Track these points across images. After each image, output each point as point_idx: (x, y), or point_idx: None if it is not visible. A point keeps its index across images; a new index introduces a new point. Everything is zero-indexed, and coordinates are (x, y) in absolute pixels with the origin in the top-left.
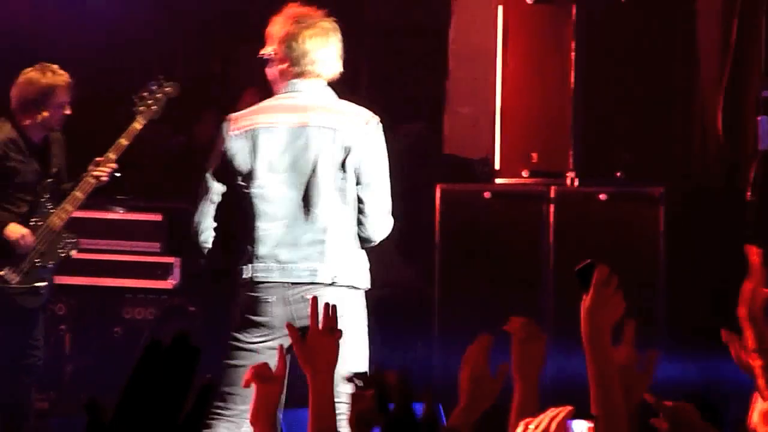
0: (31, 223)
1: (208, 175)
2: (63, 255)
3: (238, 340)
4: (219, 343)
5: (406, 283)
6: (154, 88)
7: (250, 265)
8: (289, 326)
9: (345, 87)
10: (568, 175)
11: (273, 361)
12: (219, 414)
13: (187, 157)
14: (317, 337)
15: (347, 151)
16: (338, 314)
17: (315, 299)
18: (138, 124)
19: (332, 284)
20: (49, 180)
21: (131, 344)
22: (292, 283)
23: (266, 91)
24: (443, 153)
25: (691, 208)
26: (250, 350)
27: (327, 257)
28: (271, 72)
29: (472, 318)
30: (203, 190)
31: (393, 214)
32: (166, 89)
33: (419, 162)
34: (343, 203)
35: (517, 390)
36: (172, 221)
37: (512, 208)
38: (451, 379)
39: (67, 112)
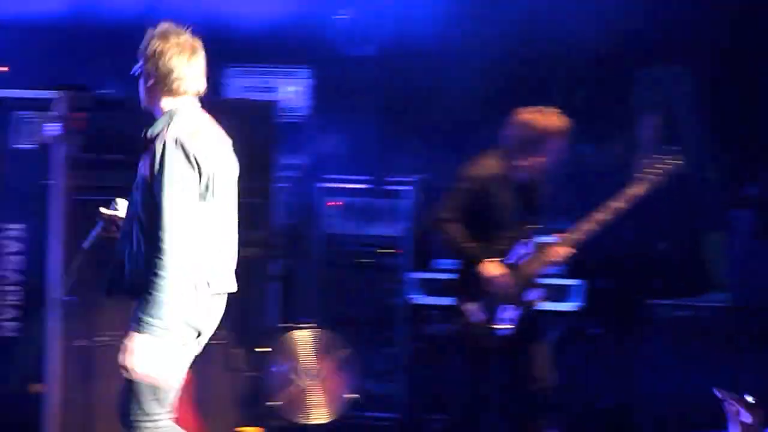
0: (507, 263)
1: None
2: (530, 303)
3: None
4: (624, 365)
5: None
6: (662, 156)
7: None
8: None
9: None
10: None
11: None
12: None
13: (590, 176)
14: None
15: None
16: None
17: None
18: (641, 190)
19: None
20: (529, 222)
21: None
22: None
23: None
24: None
25: None
26: None
27: None
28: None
29: None
30: None
31: None
32: (674, 161)
33: None
34: None
35: None
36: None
37: None
38: None
39: (559, 157)
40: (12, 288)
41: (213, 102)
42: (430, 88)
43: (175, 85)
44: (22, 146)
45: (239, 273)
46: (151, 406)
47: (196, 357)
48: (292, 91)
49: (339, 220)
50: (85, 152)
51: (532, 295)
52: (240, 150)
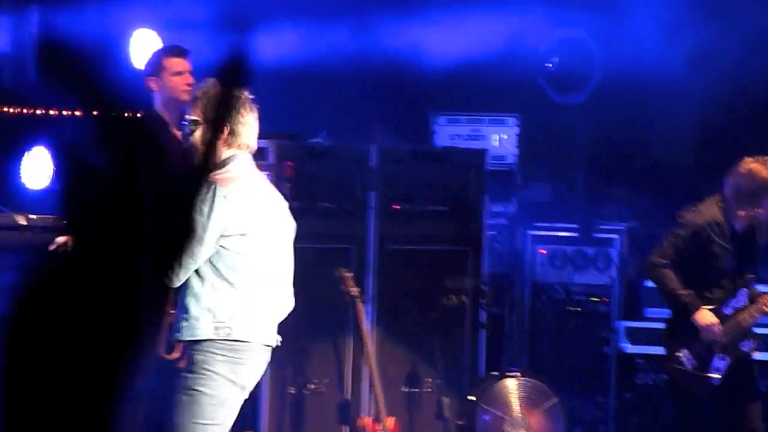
0: (721, 312)
1: None
2: (743, 354)
3: None
4: None
5: None
6: None
7: None
8: None
9: None
10: None
11: None
12: None
13: None
14: None
15: None
16: None
17: None
18: None
19: None
20: (746, 272)
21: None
22: None
23: None
24: None
25: None
26: None
27: None
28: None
29: None
30: None
31: None
32: None
33: None
34: None
35: None
36: None
37: None
38: None
39: None
40: None
41: (423, 150)
42: (638, 135)
43: (233, 137)
44: None
45: (447, 321)
46: None
47: (405, 405)
48: (500, 138)
49: (547, 268)
50: (294, 200)
51: (747, 345)
52: (450, 198)
